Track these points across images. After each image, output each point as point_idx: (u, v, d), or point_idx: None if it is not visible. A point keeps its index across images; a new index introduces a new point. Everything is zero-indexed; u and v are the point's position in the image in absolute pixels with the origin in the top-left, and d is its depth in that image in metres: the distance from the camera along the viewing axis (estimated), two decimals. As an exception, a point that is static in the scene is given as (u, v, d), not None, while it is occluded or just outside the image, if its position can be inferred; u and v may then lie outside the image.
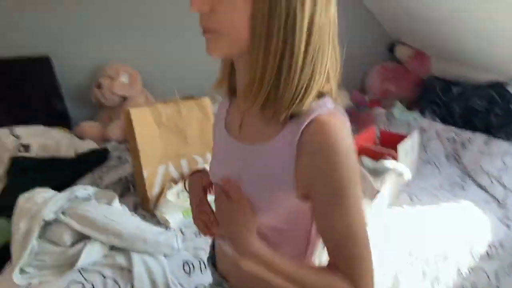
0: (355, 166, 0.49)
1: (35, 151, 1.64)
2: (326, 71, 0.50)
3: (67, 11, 1.95)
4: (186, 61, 2.15)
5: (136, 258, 1.08)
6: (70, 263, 1.08)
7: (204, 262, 1.10)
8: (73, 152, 1.70)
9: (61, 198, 1.17)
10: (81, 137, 1.90)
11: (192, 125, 1.39)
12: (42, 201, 1.15)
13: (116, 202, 1.21)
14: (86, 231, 1.10)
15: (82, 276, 1.06)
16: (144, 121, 1.28)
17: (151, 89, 2.14)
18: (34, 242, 1.09)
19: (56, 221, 1.12)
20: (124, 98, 2.02)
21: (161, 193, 1.31)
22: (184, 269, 1.10)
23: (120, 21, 2.07)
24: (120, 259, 1.10)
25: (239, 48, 0.50)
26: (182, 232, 1.22)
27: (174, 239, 1.12)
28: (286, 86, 0.48)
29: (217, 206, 0.58)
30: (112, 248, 1.13)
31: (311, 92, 0.49)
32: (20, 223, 1.11)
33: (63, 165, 1.64)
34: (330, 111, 0.50)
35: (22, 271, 1.06)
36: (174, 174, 1.37)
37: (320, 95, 0.51)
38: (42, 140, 1.68)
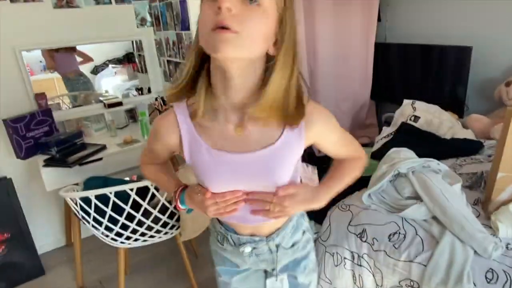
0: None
1: (421, 123, 1.97)
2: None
3: (496, 5, 1.98)
4: None
5: (448, 236, 1.20)
6: (398, 209, 1.37)
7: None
8: (450, 135, 1.88)
9: (417, 161, 1.44)
10: (465, 126, 2.01)
11: None
12: (404, 157, 1.47)
13: (457, 186, 1.33)
14: (421, 193, 1.33)
15: (402, 222, 1.32)
16: (524, 125, 1.22)
17: None
18: (384, 182, 1.45)
19: (405, 175, 1.42)
20: (529, 102, 1.86)
21: (508, 201, 1.26)
22: (486, 275, 1.08)
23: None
24: (435, 229, 1.25)
25: (250, 53, 0.60)
26: (507, 247, 1.15)
27: (491, 245, 1.11)
28: (301, 97, 0.68)
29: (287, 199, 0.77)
30: (434, 217, 1.29)
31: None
32: (383, 165, 1.50)
33: (436, 142, 1.88)
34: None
35: (369, 196, 1.48)
36: (535, 190, 1.24)
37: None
38: (430, 116, 1.98)
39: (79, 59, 2.53)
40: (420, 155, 1.54)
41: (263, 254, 0.89)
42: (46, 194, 2.32)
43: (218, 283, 1.04)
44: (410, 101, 2.21)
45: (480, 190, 1.49)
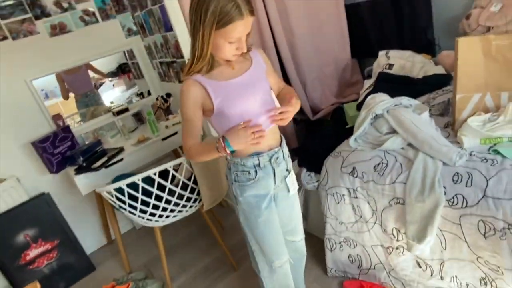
0: None
1: (395, 69, 2.18)
2: None
3: None
4: None
5: (420, 155, 1.43)
6: (379, 145, 1.60)
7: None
8: (422, 74, 2.09)
9: (390, 101, 1.65)
10: (437, 64, 2.21)
11: (526, 61, 1.35)
12: (379, 100, 1.68)
13: (425, 114, 1.55)
14: (396, 127, 1.55)
15: (384, 154, 1.56)
16: (470, 50, 1.42)
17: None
18: (366, 125, 1.68)
19: (381, 115, 1.64)
20: (489, 28, 2.04)
21: (469, 117, 1.47)
22: (453, 178, 1.31)
23: None
24: (410, 153, 1.49)
25: None
26: (471, 154, 1.37)
27: (455, 154, 1.33)
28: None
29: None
30: (409, 144, 1.52)
31: None
32: (362, 112, 1.72)
33: (411, 82, 2.08)
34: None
35: (355, 140, 1.71)
36: (489, 103, 1.45)
37: None
38: (403, 62, 2.17)
39: (94, 75, 2.77)
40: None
41: (281, 162, 1.30)
42: (81, 201, 2.62)
43: (244, 207, 1.31)
44: (384, 51, 2.41)
45: (449, 115, 1.70)
